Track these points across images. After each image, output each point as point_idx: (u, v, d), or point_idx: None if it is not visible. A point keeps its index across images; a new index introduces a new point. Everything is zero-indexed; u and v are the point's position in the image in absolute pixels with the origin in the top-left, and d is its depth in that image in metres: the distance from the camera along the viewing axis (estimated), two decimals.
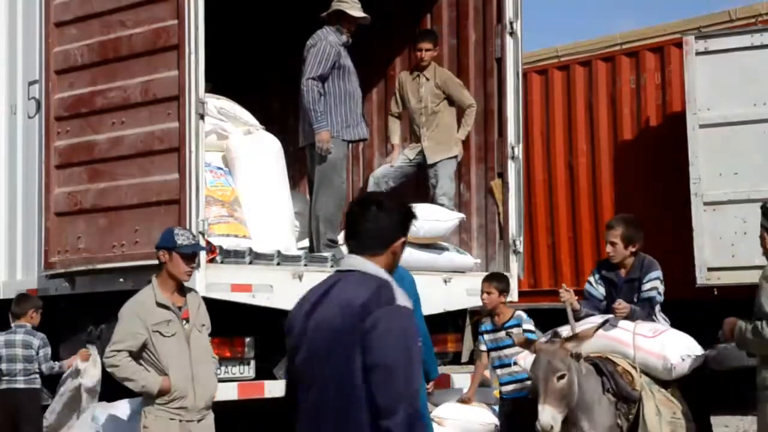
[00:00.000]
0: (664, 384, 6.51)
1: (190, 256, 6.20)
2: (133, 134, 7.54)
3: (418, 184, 9.31)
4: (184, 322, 6.16)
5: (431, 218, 8.38)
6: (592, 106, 12.70)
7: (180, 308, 6.17)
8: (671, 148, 11.60)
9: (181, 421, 6.09)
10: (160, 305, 6.10)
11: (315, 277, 7.67)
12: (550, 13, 50.31)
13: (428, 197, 8.98)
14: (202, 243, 6.90)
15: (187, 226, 6.99)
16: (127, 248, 7.48)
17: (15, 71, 8.72)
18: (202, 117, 7.25)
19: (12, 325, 7.85)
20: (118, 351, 6.08)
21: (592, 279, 7.15)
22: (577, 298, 6.93)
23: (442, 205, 8.82)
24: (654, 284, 6.90)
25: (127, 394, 7.32)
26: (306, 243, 8.74)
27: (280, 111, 10.29)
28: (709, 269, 10.90)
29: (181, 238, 6.17)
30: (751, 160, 10.91)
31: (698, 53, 11.10)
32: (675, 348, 6.57)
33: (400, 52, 9.75)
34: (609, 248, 6.95)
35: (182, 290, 6.26)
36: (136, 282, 7.36)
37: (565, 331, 6.47)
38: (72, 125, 7.95)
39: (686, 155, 11.10)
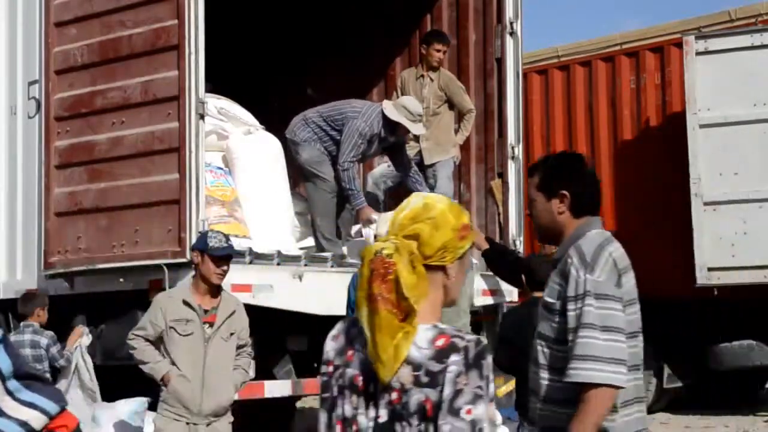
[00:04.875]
0: None
1: (221, 259, 6.15)
2: (133, 134, 7.55)
3: None
4: (207, 325, 6.15)
5: None
6: (592, 106, 12.68)
7: (206, 311, 6.13)
8: (671, 148, 11.59)
9: (188, 423, 6.08)
10: (185, 303, 6.09)
11: (315, 277, 7.71)
12: (550, 13, 50.34)
13: None
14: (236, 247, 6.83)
15: (187, 226, 6.99)
16: (127, 248, 7.48)
17: (15, 71, 8.72)
18: (202, 117, 7.25)
19: (20, 325, 7.81)
20: (137, 336, 6.16)
21: None
22: None
23: None
24: None
25: (127, 394, 7.30)
26: (309, 242, 8.75)
27: (280, 111, 10.29)
28: (709, 269, 10.88)
29: (213, 240, 6.15)
30: (751, 160, 10.90)
31: (698, 53, 11.10)
32: None
33: (400, 52, 9.74)
34: None
35: (218, 295, 6.20)
36: (136, 282, 7.36)
37: None
38: (72, 125, 7.95)
39: (686, 155, 11.10)
